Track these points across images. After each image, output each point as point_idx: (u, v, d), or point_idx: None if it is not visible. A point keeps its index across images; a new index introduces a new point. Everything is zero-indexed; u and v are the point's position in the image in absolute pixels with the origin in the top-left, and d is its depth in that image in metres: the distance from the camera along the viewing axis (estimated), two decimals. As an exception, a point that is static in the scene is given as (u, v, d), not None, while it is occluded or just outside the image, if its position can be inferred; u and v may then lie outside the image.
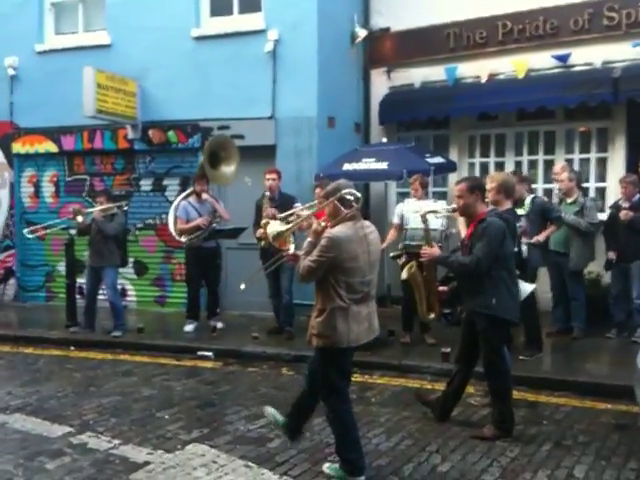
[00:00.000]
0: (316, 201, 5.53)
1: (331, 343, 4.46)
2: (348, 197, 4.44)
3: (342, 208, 4.46)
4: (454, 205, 5.68)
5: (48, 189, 11.82)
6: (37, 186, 11.89)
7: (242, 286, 5.20)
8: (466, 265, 5.26)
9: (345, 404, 4.61)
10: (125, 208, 9.39)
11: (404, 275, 7.60)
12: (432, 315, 7.60)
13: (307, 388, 4.87)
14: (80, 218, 9.01)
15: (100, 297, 9.39)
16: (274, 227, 4.79)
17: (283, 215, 5.31)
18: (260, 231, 8.08)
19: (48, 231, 9.92)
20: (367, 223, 4.67)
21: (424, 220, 6.50)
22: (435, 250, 5.80)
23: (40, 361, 8.30)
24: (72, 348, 8.81)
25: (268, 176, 8.68)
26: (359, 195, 4.51)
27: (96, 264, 9.08)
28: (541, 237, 7.73)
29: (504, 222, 5.24)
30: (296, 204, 8.07)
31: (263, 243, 8.20)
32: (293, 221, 5.01)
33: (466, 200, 5.30)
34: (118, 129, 10.99)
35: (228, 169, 9.12)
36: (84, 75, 9.88)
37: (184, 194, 9.51)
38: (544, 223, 7.89)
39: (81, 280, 10.09)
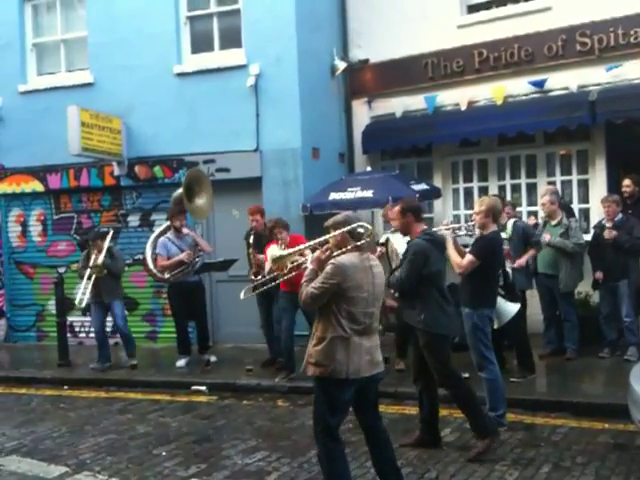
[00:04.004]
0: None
1: (329, 373, 4.32)
2: (360, 230, 4.47)
3: (351, 240, 4.48)
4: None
5: (35, 228, 11.79)
6: (25, 225, 11.86)
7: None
8: (393, 283, 5.60)
9: (336, 444, 4.43)
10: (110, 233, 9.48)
11: None
12: (380, 326, 7.50)
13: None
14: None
15: (90, 335, 9.39)
16: (275, 250, 4.83)
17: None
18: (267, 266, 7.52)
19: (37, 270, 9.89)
20: (372, 257, 4.64)
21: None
22: None
23: (34, 401, 8.23)
24: (65, 387, 8.75)
25: (251, 217, 8.71)
26: (370, 228, 4.56)
27: (107, 300, 9.24)
28: (522, 261, 7.95)
29: (430, 242, 5.44)
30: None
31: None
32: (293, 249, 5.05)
33: (399, 221, 5.85)
34: (104, 166, 11.03)
35: (201, 201, 9.14)
36: (68, 114, 9.95)
37: (159, 230, 9.53)
38: (526, 247, 8.08)
39: (72, 318, 10.06)
